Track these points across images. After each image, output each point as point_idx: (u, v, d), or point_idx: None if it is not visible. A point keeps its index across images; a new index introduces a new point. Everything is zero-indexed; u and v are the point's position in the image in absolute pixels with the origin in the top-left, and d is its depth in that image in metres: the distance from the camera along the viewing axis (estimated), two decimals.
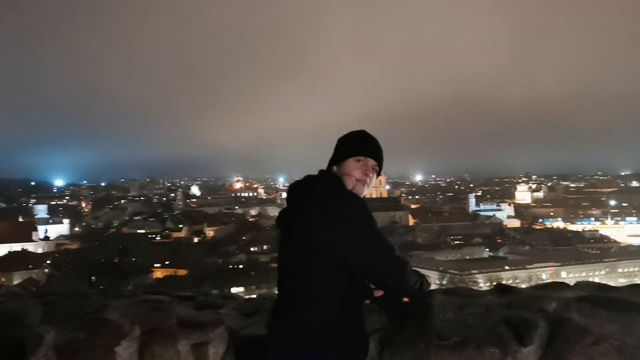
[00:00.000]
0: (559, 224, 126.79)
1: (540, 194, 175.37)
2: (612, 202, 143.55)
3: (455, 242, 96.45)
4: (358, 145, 2.50)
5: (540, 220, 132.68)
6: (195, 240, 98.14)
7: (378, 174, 2.57)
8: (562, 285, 3.42)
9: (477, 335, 2.81)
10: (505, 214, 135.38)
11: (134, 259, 74.85)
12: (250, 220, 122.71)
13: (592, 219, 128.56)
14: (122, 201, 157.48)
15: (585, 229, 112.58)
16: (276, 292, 2.55)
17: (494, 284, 4.00)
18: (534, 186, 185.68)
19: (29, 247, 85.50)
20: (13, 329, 3.00)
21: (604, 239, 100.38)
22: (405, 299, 3.02)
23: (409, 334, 2.80)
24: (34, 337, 2.93)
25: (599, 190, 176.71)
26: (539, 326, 2.81)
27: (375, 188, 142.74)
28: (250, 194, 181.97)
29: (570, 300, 3.00)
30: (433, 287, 3.07)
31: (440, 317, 2.99)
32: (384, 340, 2.81)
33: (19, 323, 3.05)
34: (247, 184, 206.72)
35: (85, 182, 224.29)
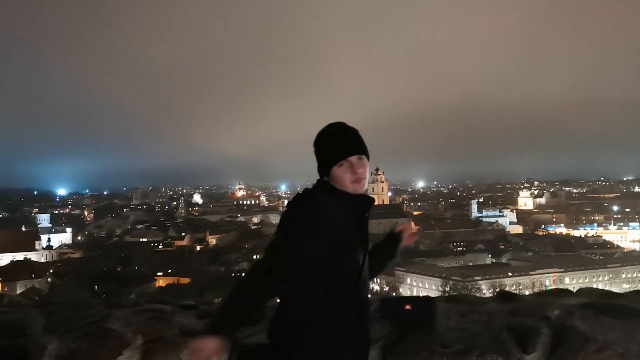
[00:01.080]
0: (561, 229, 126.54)
1: (542, 200, 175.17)
2: (615, 208, 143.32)
3: (458, 248, 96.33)
4: (334, 151, 2.28)
5: (543, 226, 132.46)
6: (198, 248, 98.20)
7: (368, 157, 2.39)
8: (565, 292, 3.42)
9: (480, 342, 2.80)
10: (507, 220, 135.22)
11: (136, 268, 74.89)
12: (252, 228, 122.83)
13: (595, 224, 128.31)
14: (125, 210, 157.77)
15: (588, 235, 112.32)
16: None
17: (497, 290, 4.00)
18: (536, 192, 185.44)
19: (32, 256, 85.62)
20: (16, 339, 3.00)
21: (607, 245, 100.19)
22: (408, 306, 3.03)
23: (412, 342, 2.80)
24: (37, 347, 2.93)
25: (602, 195, 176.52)
26: (542, 333, 2.81)
27: (377, 195, 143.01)
28: (253, 202, 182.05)
29: (574, 307, 3.00)
30: (436, 294, 3.07)
31: (443, 325, 2.99)
32: (386, 349, 2.80)
33: (21, 333, 3.05)
34: (249, 192, 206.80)
35: (87, 191, 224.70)
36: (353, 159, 2.27)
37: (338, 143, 2.29)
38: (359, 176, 2.27)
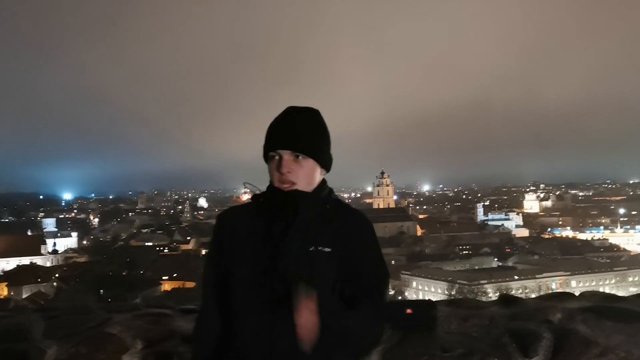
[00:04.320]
0: (567, 233, 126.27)
1: (548, 203, 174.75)
2: (622, 211, 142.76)
3: (464, 252, 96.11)
4: (266, 139, 1.90)
5: (549, 229, 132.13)
6: (203, 252, 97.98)
7: (322, 158, 1.90)
8: (568, 296, 3.39)
9: (481, 347, 2.79)
10: (513, 223, 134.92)
11: (142, 272, 74.92)
12: None
13: (602, 227, 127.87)
14: (130, 214, 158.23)
15: (595, 238, 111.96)
16: None
17: (501, 294, 3.98)
18: (542, 195, 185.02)
19: (38, 260, 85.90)
20: (16, 343, 3.01)
21: (613, 248, 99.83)
22: (409, 310, 3.01)
23: (413, 346, 2.79)
24: (37, 352, 2.94)
25: (608, 198, 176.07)
26: (543, 337, 2.79)
27: (382, 198, 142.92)
28: None
29: (576, 311, 2.98)
30: (442, 297, 3.03)
31: (444, 329, 2.97)
32: (386, 353, 2.79)
33: (22, 338, 3.06)
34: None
35: (93, 195, 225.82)
36: (284, 153, 1.84)
37: (273, 130, 1.89)
38: (284, 178, 1.83)
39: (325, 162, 1.91)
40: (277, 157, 1.85)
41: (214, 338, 1.89)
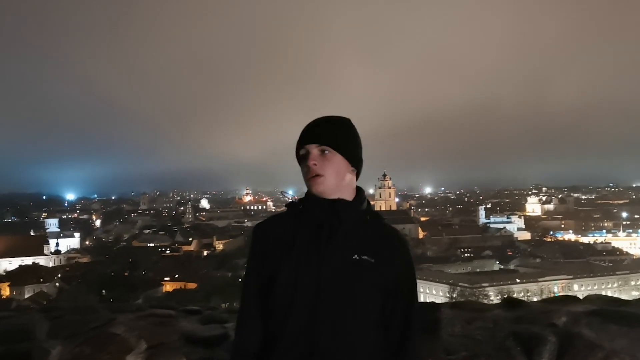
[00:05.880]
0: (570, 236, 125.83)
1: (550, 206, 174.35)
2: (624, 214, 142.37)
3: (466, 254, 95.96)
4: (297, 142, 1.95)
5: (551, 232, 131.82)
6: (205, 253, 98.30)
7: (348, 154, 1.91)
8: (572, 299, 3.39)
9: (485, 350, 2.78)
10: (515, 226, 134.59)
11: (143, 273, 74.96)
12: None
13: (604, 231, 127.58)
14: (133, 215, 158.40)
15: (597, 242, 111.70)
16: None
17: (505, 297, 3.97)
18: (544, 198, 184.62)
19: (40, 260, 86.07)
20: (20, 343, 3.01)
21: (616, 252, 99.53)
22: None
23: None
24: (41, 352, 2.94)
25: (611, 202, 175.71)
26: (548, 341, 2.78)
27: (384, 201, 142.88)
28: (260, 207, 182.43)
29: (580, 315, 2.97)
30: (443, 300, 3.02)
31: (448, 332, 2.96)
32: None
33: (26, 338, 3.06)
34: (256, 197, 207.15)
35: (95, 195, 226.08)
36: (311, 148, 1.89)
37: (304, 132, 1.94)
38: (312, 170, 1.86)
39: (353, 159, 1.93)
40: (304, 155, 1.91)
41: (254, 350, 1.88)
